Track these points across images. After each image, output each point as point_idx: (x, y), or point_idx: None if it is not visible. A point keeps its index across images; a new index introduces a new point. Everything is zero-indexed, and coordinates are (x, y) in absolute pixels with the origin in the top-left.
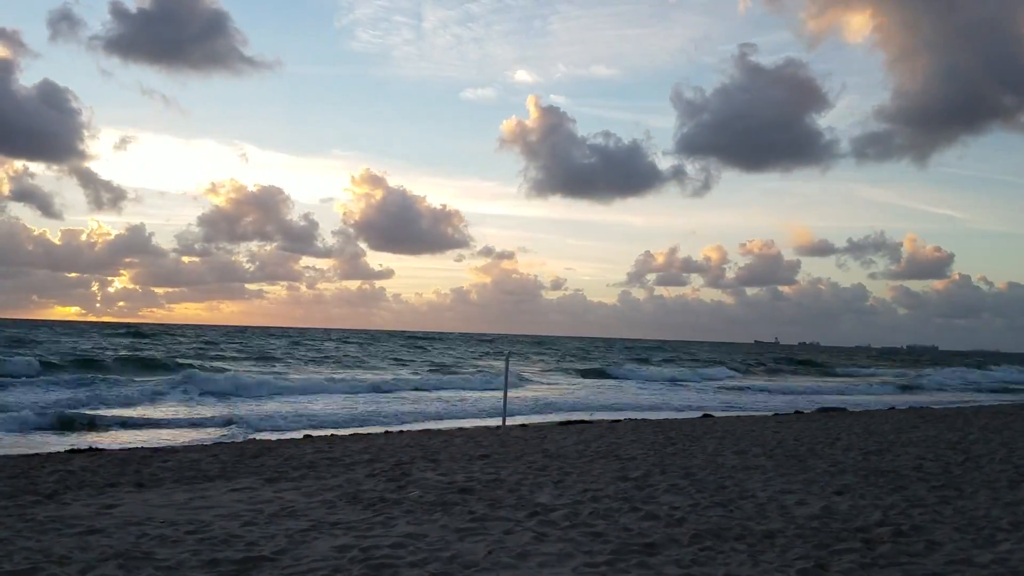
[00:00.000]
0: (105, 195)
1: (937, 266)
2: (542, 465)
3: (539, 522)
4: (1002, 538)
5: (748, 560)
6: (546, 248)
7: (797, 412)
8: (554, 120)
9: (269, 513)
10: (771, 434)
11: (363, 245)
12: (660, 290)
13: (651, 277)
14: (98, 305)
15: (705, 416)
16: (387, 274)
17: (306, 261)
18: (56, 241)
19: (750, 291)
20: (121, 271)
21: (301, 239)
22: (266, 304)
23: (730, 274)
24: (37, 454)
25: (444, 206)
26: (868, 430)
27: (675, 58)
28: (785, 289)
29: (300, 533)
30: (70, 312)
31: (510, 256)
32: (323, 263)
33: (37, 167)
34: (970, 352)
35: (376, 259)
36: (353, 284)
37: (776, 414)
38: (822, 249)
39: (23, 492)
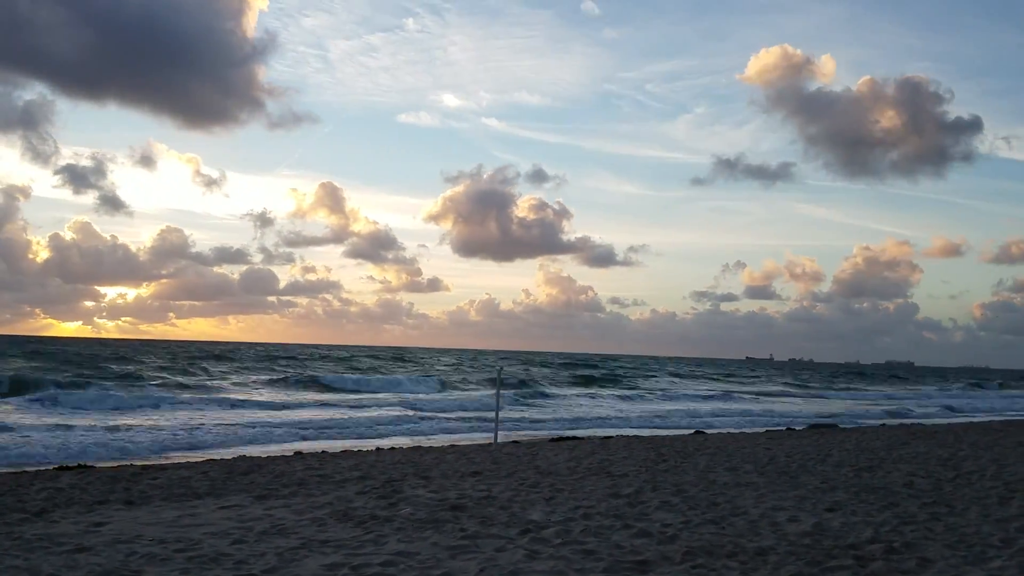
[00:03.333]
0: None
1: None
2: (534, 482)
3: (531, 539)
4: (993, 555)
5: None
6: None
7: (788, 429)
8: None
9: (259, 531)
10: (762, 451)
11: (445, 251)
12: (703, 305)
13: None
14: (98, 319)
15: (697, 433)
16: (437, 285)
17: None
18: (79, 242)
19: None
20: (144, 283)
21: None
22: (274, 319)
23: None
24: (25, 471)
25: (548, 204)
26: (859, 446)
27: (583, 87)
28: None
29: (290, 551)
30: (70, 330)
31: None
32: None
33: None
34: (951, 369)
35: (452, 267)
36: (390, 297)
37: (768, 430)
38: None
39: (11, 510)
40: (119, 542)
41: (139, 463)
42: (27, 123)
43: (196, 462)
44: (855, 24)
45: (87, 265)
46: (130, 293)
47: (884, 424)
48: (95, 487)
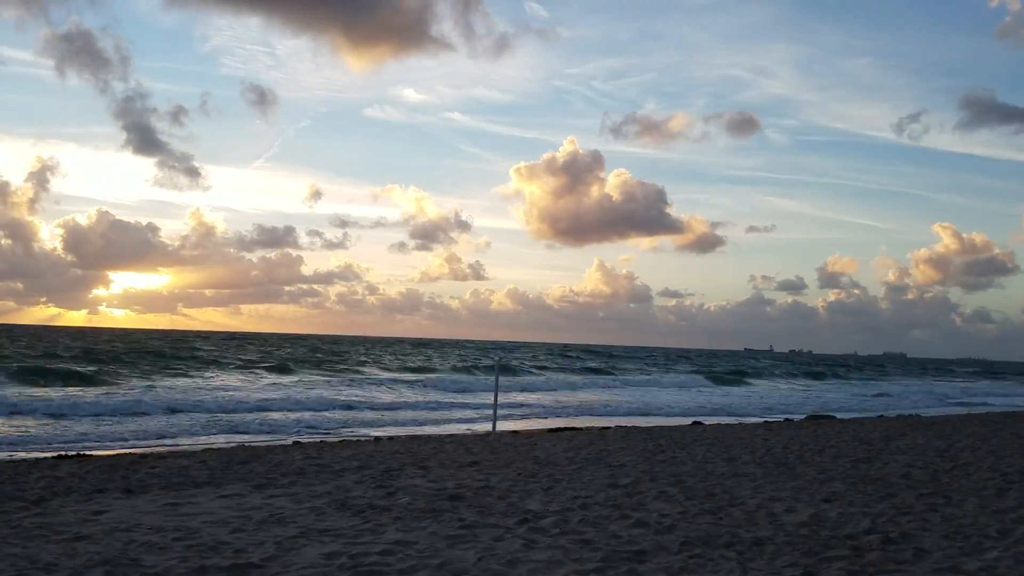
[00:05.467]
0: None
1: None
2: (532, 472)
3: (529, 529)
4: (990, 546)
5: (737, 568)
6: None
7: (787, 419)
8: None
9: (258, 520)
10: (760, 441)
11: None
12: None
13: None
14: (102, 308)
15: (695, 423)
16: (478, 272)
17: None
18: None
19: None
20: (167, 268)
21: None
22: (288, 311)
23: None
24: (24, 460)
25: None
26: (857, 437)
27: (533, 84)
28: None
29: (289, 540)
30: (74, 318)
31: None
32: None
33: None
34: (942, 360)
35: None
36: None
37: (766, 421)
38: None
39: (9, 498)
40: (118, 531)
41: (138, 451)
42: (94, 56)
43: (195, 451)
44: (792, 24)
45: (106, 251)
46: (155, 280)
47: (882, 416)
48: (94, 476)
